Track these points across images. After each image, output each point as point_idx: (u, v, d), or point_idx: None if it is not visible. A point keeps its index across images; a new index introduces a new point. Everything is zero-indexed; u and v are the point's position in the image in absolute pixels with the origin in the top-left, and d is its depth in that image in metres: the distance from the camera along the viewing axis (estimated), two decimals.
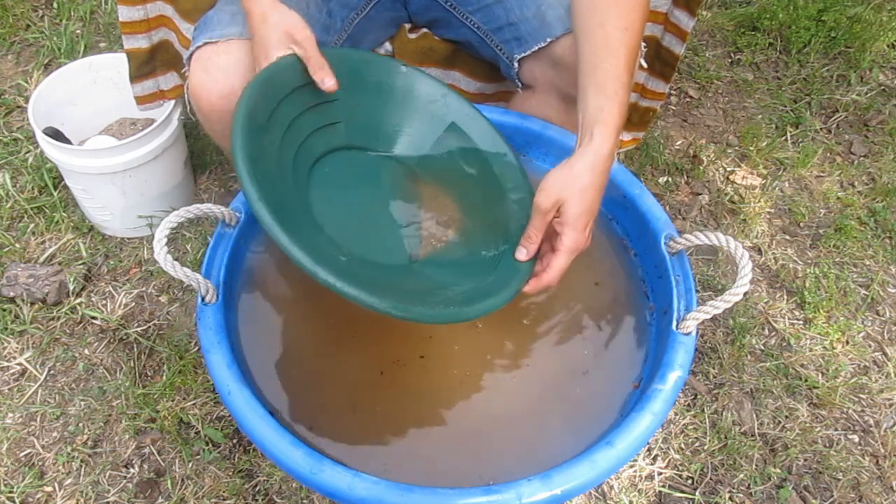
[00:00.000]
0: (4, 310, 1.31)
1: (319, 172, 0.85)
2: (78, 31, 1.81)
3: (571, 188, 0.77)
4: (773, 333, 1.37)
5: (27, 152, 1.55)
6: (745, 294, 1.12)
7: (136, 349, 1.29)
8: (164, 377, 1.24)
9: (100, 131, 1.50)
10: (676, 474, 1.19)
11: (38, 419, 1.21)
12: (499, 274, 0.82)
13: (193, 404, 1.22)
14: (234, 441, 1.19)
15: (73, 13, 1.84)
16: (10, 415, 1.21)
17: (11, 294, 1.31)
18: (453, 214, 0.90)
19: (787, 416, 1.26)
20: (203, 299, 0.81)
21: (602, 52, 0.83)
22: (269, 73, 0.81)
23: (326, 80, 0.85)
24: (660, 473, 1.19)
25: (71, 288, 1.34)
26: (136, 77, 1.27)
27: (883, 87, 1.82)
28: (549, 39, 0.99)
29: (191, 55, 0.98)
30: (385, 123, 0.92)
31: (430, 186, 0.92)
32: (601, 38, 0.83)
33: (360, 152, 0.91)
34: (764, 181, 1.61)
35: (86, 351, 1.29)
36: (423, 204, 0.91)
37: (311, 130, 0.85)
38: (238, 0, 0.99)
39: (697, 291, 1.08)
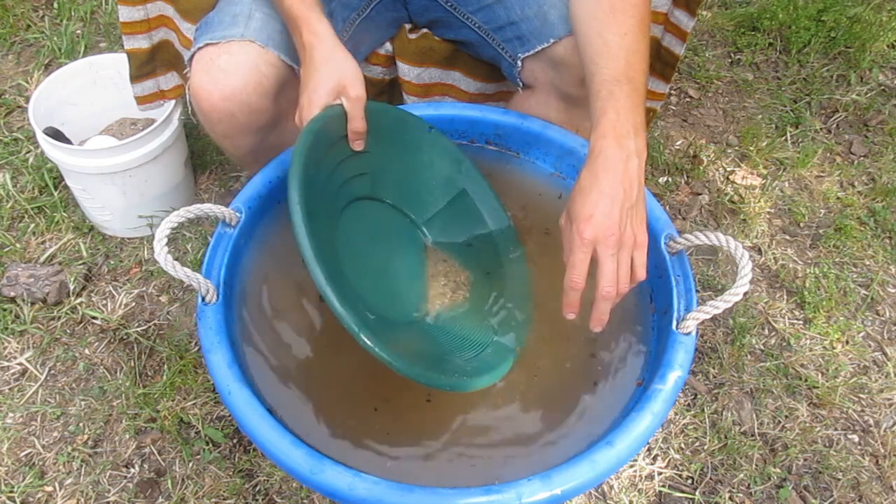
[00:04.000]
0: (5, 310, 1.31)
1: (345, 219, 0.88)
2: (78, 32, 1.81)
3: (573, 193, 0.78)
4: (773, 333, 1.37)
5: (27, 152, 1.56)
6: (745, 294, 1.12)
7: (136, 349, 1.29)
8: (165, 377, 1.24)
9: (100, 131, 1.50)
10: (676, 474, 1.19)
11: (39, 419, 1.21)
12: (495, 346, 0.86)
13: (193, 404, 1.22)
14: (234, 441, 1.19)
15: (73, 13, 1.84)
16: (11, 414, 1.21)
17: (12, 294, 1.31)
18: (456, 280, 0.93)
19: (787, 416, 1.26)
20: (203, 299, 0.81)
21: (600, 58, 0.83)
22: (322, 123, 0.83)
23: (357, 144, 0.88)
24: (660, 473, 1.19)
25: (71, 288, 1.34)
26: (136, 77, 1.27)
27: (883, 87, 1.82)
28: (551, 40, 0.99)
29: (192, 56, 0.98)
30: (404, 181, 0.95)
31: (435, 249, 0.96)
32: (601, 45, 0.84)
33: (380, 204, 0.94)
34: (764, 181, 1.61)
35: (86, 351, 1.29)
36: (428, 265, 0.94)
37: (346, 179, 0.88)
38: (240, 1, 1.00)
39: (697, 291, 1.08)
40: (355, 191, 0.90)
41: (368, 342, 0.70)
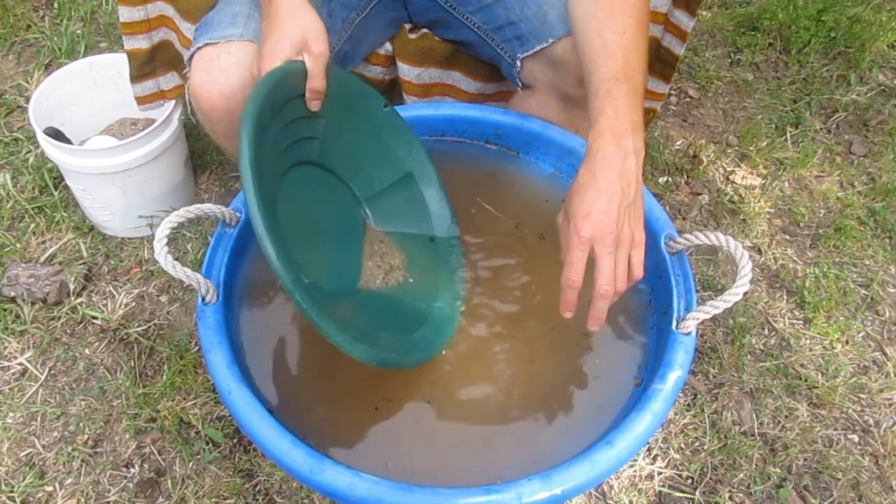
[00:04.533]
0: (5, 310, 1.31)
1: (287, 180, 0.86)
2: (78, 32, 1.81)
3: (570, 191, 0.78)
4: (773, 333, 1.37)
5: (28, 152, 1.56)
6: (745, 294, 1.11)
7: (136, 349, 1.29)
8: (165, 377, 1.24)
9: (100, 131, 1.50)
10: (676, 474, 1.19)
11: (39, 419, 1.21)
12: (425, 331, 0.86)
13: (193, 404, 1.22)
14: (234, 441, 1.19)
15: (73, 13, 1.84)
16: (11, 414, 1.21)
17: (12, 294, 1.31)
18: (391, 262, 0.93)
19: (786, 416, 1.26)
20: (203, 299, 0.81)
21: (598, 56, 0.83)
22: (281, 75, 0.81)
23: (314, 104, 0.85)
24: (660, 473, 1.19)
25: (71, 288, 1.34)
26: (136, 77, 1.27)
27: (883, 87, 1.82)
28: (551, 40, 0.99)
29: (192, 56, 0.98)
30: (353, 153, 0.94)
31: (374, 227, 0.95)
32: (599, 45, 0.84)
33: (325, 172, 0.92)
34: (764, 181, 1.61)
35: (86, 351, 1.29)
36: (366, 241, 0.93)
37: (295, 139, 0.86)
38: (240, 1, 1.00)
39: (697, 291, 1.08)
40: (302, 154, 0.88)
41: (304, 303, 0.69)
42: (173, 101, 1.33)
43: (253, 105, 0.75)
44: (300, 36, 0.83)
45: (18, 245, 1.41)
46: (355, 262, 0.91)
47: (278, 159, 0.83)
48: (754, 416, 1.26)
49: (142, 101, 1.31)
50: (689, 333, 0.81)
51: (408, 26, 1.15)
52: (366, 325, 0.83)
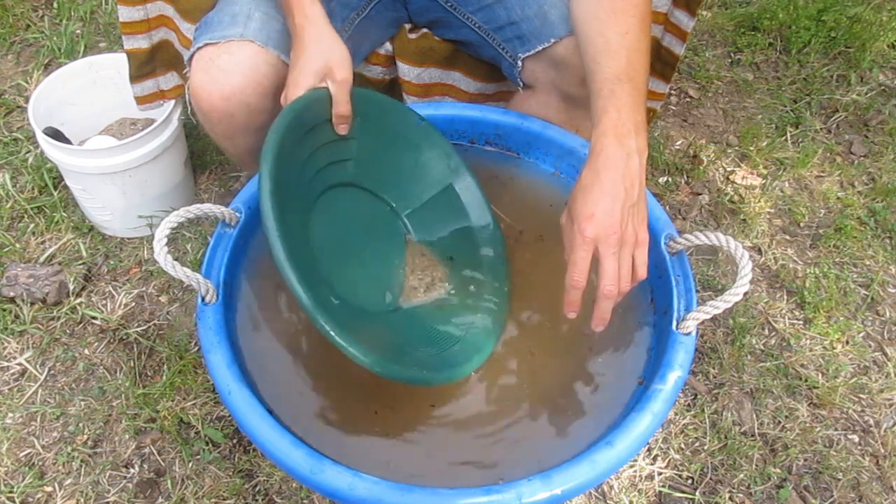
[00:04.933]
0: (4, 310, 1.31)
1: (322, 204, 0.87)
2: (78, 31, 1.81)
3: (574, 192, 0.78)
4: (773, 333, 1.37)
5: (27, 152, 1.56)
6: (745, 294, 1.11)
7: (136, 349, 1.29)
8: (164, 377, 1.24)
9: (100, 131, 1.50)
10: (676, 474, 1.19)
11: (39, 419, 1.21)
12: (463, 345, 0.85)
13: (193, 404, 1.22)
14: (234, 441, 1.19)
15: (73, 13, 1.84)
16: (11, 415, 1.21)
17: (11, 294, 1.31)
18: (433, 275, 0.92)
19: (787, 416, 1.26)
20: (203, 299, 0.81)
21: (600, 56, 0.83)
22: (304, 104, 0.83)
23: (341, 129, 0.88)
24: (660, 473, 1.19)
25: (71, 288, 1.34)
26: (136, 77, 1.27)
27: (883, 87, 1.82)
28: (552, 40, 0.99)
29: (192, 56, 0.98)
30: (389, 170, 0.95)
31: (415, 241, 0.95)
32: (602, 44, 0.84)
33: (362, 191, 0.93)
34: (764, 181, 1.61)
35: (86, 351, 1.29)
36: (406, 257, 0.93)
37: (327, 163, 0.88)
38: (240, 1, 1.00)
39: (697, 291, 1.08)
40: (335, 176, 0.89)
41: (325, 325, 0.70)
42: (173, 101, 1.33)
43: (275, 136, 0.77)
44: (324, 63, 0.85)
45: (18, 245, 1.41)
46: (398, 277, 0.91)
47: (309, 184, 0.85)
48: (754, 416, 1.26)
49: (141, 101, 1.31)
50: (689, 333, 0.81)
51: (408, 26, 1.15)
52: (400, 342, 0.83)
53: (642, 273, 0.78)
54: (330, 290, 0.80)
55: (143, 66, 1.26)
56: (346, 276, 0.84)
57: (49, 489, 1.14)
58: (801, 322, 1.39)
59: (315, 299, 0.71)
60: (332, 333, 0.70)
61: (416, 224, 0.96)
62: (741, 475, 1.19)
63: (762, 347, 1.34)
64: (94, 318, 1.32)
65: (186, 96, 1.01)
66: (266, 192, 0.73)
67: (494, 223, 0.96)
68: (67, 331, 1.31)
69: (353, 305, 0.83)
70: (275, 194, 0.73)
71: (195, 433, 1.20)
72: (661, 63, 1.22)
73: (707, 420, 1.25)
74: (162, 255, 0.76)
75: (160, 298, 1.36)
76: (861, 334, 1.37)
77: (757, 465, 1.21)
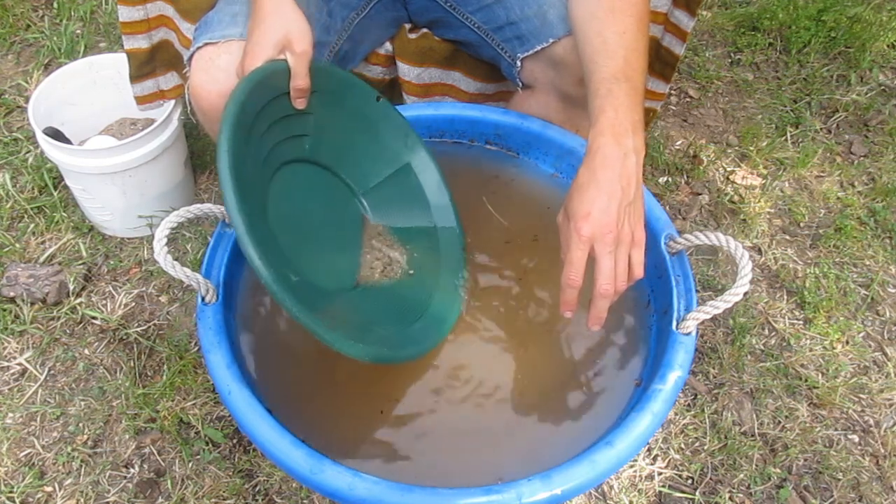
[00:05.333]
0: (4, 310, 1.31)
1: (278, 179, 0.85)
2: (78, 31, 1.81)
3: (570, 190, 0.78)
4: (773, 333, 1.37)
5: (27, 152, 1.56)
6: (745, 294, 1.11)
7: (136, 349, 1.29)
8: (164, 377, 1.24)
9: (100, 131, 1.50)
10: (676, 474, 1.19)
11: (39, 419, 1.21)
12: (424, 322, 0.85)
13: (193, 404, 1.22)
14: (234, 441, 1.19)
15: (73, 13, 1.84)
16: (11, 415, 1.21)
17: (11, 294, 1.31)
18: (390, 254, 0.92)
19: (787, 416, 1.26)
20: (203, 299, 0.81)
21: (598, 56, 0.83)
22: (263, 75, 0.81)
23: (299, 102, 0.85)
24: (660, 473, 1.19)
25: (71, 288, 1.34)
26: (136, 77, 1.27)
27: (883, 87, 1.82)
28: (551, 40, 0.99)
29: (191, 56, 0.98)
30: (346, 148, 0.93)
31: (372, 220, 0.95)
32: (599, 44, 0.84)
33: (318, 168, 0.92)
34: (764, 181, 1.61)
35: (86, 351, 1.29)
36: (364, 235, 0.93)
37: (283, 137, 0.86)
38: (239, 1, 1.00)
39: (697, 291, 1.08)
40: (292, 152, 0.88)
41: (288, 303, 0.69)
42: (173, 101, 1.33)
43: (233, 106, 0.75)
44: (283, 34, 0.83)
45: (18, 245, 1.41)
46: (354, 256, 0.90)
47: (266, 158, 0.83)
48: (754, 416, 1.26)
49: (141, 100, 1.31)
50: (689, 333, 0.81)
51: (408, 26, 1.15)
52: (361, 320, 0.82)
53: (639, 272, 0.78)
54: (289, 267, 0.79)
55: (143, 66, 1.26)
56: (304, 254, 0.83)
57: (49, 489, 1.14)
58: (801, 322, 1.39)
59: (277, 275, 0.69)
60: (295, 311, 0.69)
61: (373, 203, 0.95)
62: (741, 475, 1.19)
63: (762, 347, 1.34)
64: (94, 318, 1.32)
65: (186, 96, 1.01)
66: (225, 165, 0.71)
67: (451, 201, 0.96)
68: (67, 331, 1.31)
69: (313, 283, 0.82)
70: (234, 168, 0.72)
71: (195, 433, 1.20)
72: (661, 63, 1.22)
73: (707, 420, 1.25)
74: (162, 255, 0.76)
75: (160, 298, 1.36)
76: (861, 334, 1.37)
77: (757, 465, 1.21)
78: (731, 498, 1.17)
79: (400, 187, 0.95)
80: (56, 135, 1.36)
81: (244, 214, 0.70)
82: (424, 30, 1.15)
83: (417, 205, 0.96)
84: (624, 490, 1.17)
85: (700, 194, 1.58)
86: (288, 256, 0.80)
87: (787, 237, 1.53)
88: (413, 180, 0.96)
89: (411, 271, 0.91)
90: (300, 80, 0.84)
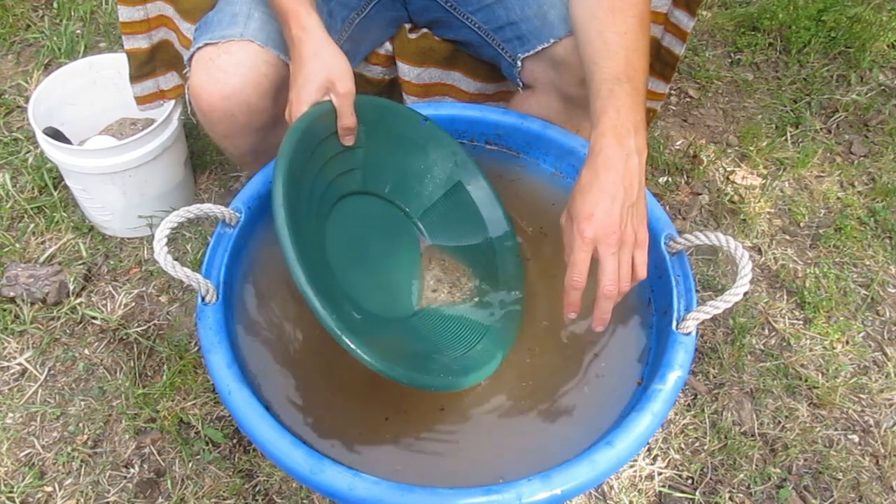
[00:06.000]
0: (4, 310, 1.31)
1: (335, 215, 0.87)
2: (78, 31, 1.81)
3: (573, 192, 0.78)
4: (773, 333, 1.37)
5: (27, 152, 1.56)
6: (745, 294, 1.11)
7: (136, 349, 1.29)
8: (164, 377, 1.24)
9: (100, 131, 1.50)
10: (676, 474, 1.19)
11: (39, 419, 1.21)
12: (486, 342, 0.85)
13: (193, 404, 1.22)
14: (234, 441, 1.19)
15: (73, 13, 1.84)
16: (11, 415, 1.21)
17: (11, 294, 1.31)
18: (450, 276, 0.92)
19: (787, 416, 1.26)
20: (203, 299, 0.81)
21: (599, 56, 0.83)
22: (309, 121, 0.83)
23: (347, 140, 0.88)
24: (660, 473, 1.19)
25: (71, 288, 1.34)
26: (136, 77, 1.27)
27: (883, 87, 1.82)
28: (552, 40, 0.99)
29: (192, 56, 0.98)
30: (398, 174, 0.94)
31: (429, 243, 0.95)
32: (600, 44, 0.84)
33: (373, 198, 0.93)
34: (764, 181, 1.61)
35: (86, 351, 1.29)
36: (422, 260, 0.93)
37: (336, 174, 0.88)
38: (240, 1, 1.00)
39: (697, 291, 1.08)
40: (346, 186, 0.89)
41: (351, 345, 0.70)
42: (173, 101, 1.33)
43: (284, 160, 0.77)
44: (325, 77, 0.84)
45: (18, 245, 1.40)
46: (414, 281, 0.91)
47: (321, 199, 0.85)
48: (754, 416, 1.26)
49: (141, 100, 1.31)
50: (689, 333, 0.81)
51: (408, 26, 1.15)
52: (423, 348, 0.83)
53: (642, 273, 0.78)
54: (350, 303, 0.80)
55: (143, 66, 1.26)
56: (364, 286, 0.85)
57: (49, 489, 1.14)
58: (801, 322, 1.39)
59: (338, 319, 0.70)
60: (360, 352, 0.70)
61: (429, 225, 0.96)
62: (741, 475, 1.19)
63: (762, 347, 1.34)
64: (94, 318, 1.32)
65: (186, 96, 1.01)
66: (282, 220, 0.72)
67: (506, 216, 0.96)
68: (67, 331, 1.31)
69: (374, 315, 0.83)
70: (291, 221, 0.73)
71: (195, 433, 1.20)
72: (661, 63, 1.22)
73: (707, 420, 1.24)
74: (162, 255, 0.76)
75: (160, 298, 1.36)
76: (861, 334, 1.37)
77: (757, 465, 1.21)
78: (731, 498, 1.17)
79: (454, 206, 0.96)
80: (56, 135, 1.36)
81: (303, 265, 0.71)
82: (424, 30, 1.15)
83: (472, 222, 0.96)
84: (624, 490, 1.17)
85: (700, 194, 1.58)
86: (348, 292, 0.81)
87: (787, 237, 1.53)
88: (466, 198, 0.96)
89: (470, 291, 0.91)
90: (346, 119, 0.86)
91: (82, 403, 1.23)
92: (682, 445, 1.22)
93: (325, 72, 0.85)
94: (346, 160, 0.89)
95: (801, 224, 1.55)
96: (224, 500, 1.13)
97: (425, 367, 0.78)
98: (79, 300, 1.34)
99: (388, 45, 1.17)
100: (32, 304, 1.32)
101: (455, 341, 0.85)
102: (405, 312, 0.88)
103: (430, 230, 0.96)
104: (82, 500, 1.13)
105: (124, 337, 1.30)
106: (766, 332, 1.37)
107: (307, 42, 0.86)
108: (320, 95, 0.85)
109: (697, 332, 1.00)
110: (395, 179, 0.94)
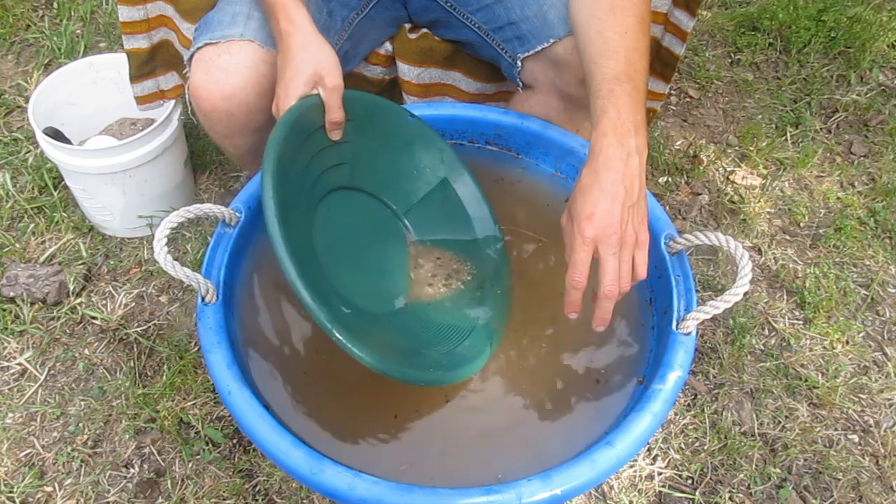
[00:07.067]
0: (4, 310, 1.31)
1: (323, 210, 0.87)
2: (78, 31, 1.81)
3: (574, 192, 0.78)
4: (773, 333, 1.37)
5: (27, 152, 1.55)
6: (745, 294, 1.11)
7: (136, 349, 1.29)
8: (164, 377, 1.24)
9: (100, 131, 1.50)
10: (676, 474, 1.19)
11: (39, 419, 1.21)
12: (474, 338, 0.85)
13: (193, 404, 1.22)
14: (234, 441, 1.19)
15: (73, 13, 1.84)
16: (11, 415, 1.21)
17: (11, 294, 1.31)
18: (436, 271, 0.92)
19: (787, 416, 1.26)
20: (203, 299, 0.81)
21: (599, 56, 0.83)
22: (298, 114, 0.82)
23: (335, 134, 0.87)
24: (660, 473, 1.19)
25: (71, 288, 1.34)
26: (136, 77, 1.27)
27: (883, 87, 1.82)
28: (551, 40, 0.99)
29: (192, 56, 0.98)
30: (384, 170, 0.94)
31: (415, 239, 0.95)
32: (600, 44, 0.84)
33: (360, 193, 0.93)
34: (764, 181, 1.61)
35: (86, 351, 1.29)
36: (409, 256, 0.93)
37: (324, 168, 0.88)
38: (240, 1, 1.00)
39: (697, 291, 1.08)
40: (334, 181, 0.89)
41: (342, 339, 0.70)
42: (173, 101, 1.33)
43: (272, 153, 0.76)
44: (313, 71, 0.84)
45: (18, 245, 1.40)
46: (402, 277, 0.91)
47: (309, 193, 0.85)
48: (754, 416, 1.26)
49: (141, 100, 1.31)
50: (689, 333, 0.81)
51: (408, 26, 1.15)
52: (412, 343, 0.83)
53: (642, 273, 0.78)
54: (339, 298, 0.80)
55: (143, 65, 1.26)
56: (352, 281, 0.84)
57: (49, 489, 1.14)
58: (801, 322, 1.39)
59: (329, 313, 0.70)
60: (350, 345, 0.70)
61: (415, 221, 0.96)
62: (741, 475, 1.19)
63: (762, 347, 1.34)
64: (94, 318, 1.32)
65: (186, 96, 1.01)
66: (272, 214, 0.72)
67: (491, 213, 0.96)
68: (67, 331, 1.31)
69: (363, 310, 0.83)
70: (280, 214, 0.73)
71: (195, 433, 1.20)
72: (661, 63, 1.22)
73: (707, 420, 1.25)
74: (162, 255, 0.76)
75: (160, 298, 1.36)
76: (861, 334, 1.37)
77: (757, 465, 1.21)
78: (731, 498, 1.17)
79: (439, 203, 0.96)
80: (56, 135, 1.36)
81: (294, 260, 0.71)
82: (424, 30, 1.15)
83: (458, 219, 0.96)
84: (624, 490, 1.17)
85: (700, 194, 1.58)
86: (337, 287, 0.81)
87: (787, 237, 1.53)
88: (452, 195, 0.96)
89: (455, 287, 0.91)
90: (334, 113, 0.85)
91: (82, 403, 1.23)
92: (682, 445, 1.22)
93: (313, 65, 0.84)
94: (334, 154, 0.88)
95: (801, 224, 1.55)
96: (224, 500, 1.13)
97: (416, 362, 0.78)
98: (79, 300, 1.34)
99: (388, 45, 1.17)
100: (32, 304, 1.32)
101: (443, 337, 0.85)
102: (392, 308, 0.88)
103: (415, 226, 0.96)
104: (82, 500, 1.13)
105: (124, 337, 1.30)
106: (766, 332, 1.37)
107: (295, 35, 0.85)
108: (308, 89, 0.84)
109: (697, 332, 1.00)
110: (381, 175, 0.94)
